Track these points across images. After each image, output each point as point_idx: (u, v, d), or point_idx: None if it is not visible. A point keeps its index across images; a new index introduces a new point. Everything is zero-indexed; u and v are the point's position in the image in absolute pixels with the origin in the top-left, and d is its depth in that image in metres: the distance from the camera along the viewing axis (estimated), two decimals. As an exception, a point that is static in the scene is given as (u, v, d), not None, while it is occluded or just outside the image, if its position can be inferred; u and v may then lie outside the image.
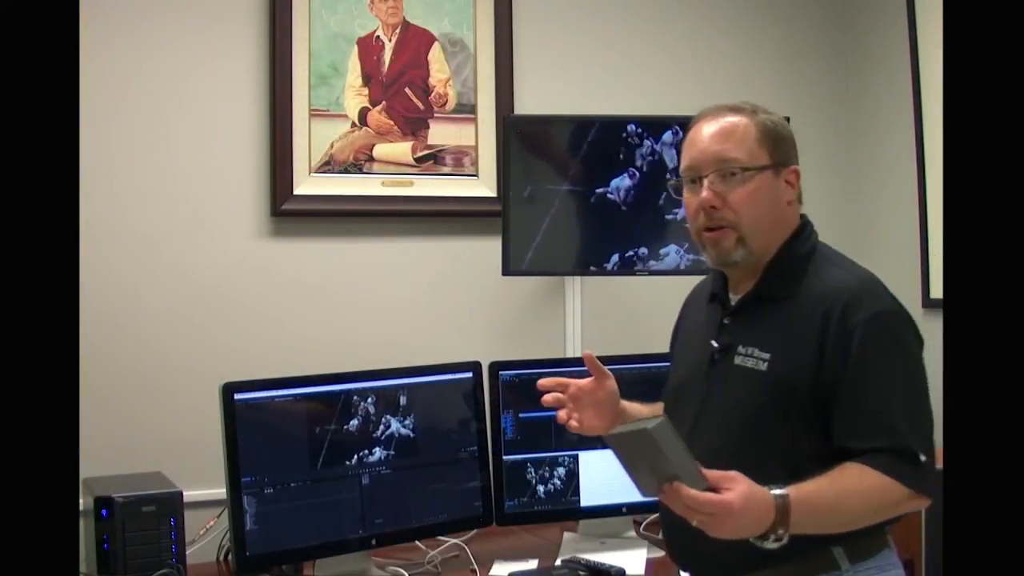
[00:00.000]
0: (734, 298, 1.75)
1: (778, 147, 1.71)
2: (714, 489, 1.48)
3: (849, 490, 1.54)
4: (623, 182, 2.67)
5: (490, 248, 2.75)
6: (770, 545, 1.50)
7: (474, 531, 2.45)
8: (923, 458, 1.56)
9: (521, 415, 2.43)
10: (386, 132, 2.73)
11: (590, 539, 2.47)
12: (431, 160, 2.78)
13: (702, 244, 1.71)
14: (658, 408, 1.84)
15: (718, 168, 1.66)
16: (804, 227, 1.74)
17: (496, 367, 2.44)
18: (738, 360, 1.67)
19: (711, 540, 1.51)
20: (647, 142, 2.67)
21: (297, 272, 2.65)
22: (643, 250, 2.68)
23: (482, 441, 2.41)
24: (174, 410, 2.48)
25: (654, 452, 1.52)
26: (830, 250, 1.74)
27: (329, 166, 2.68)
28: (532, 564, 2.31)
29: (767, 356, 1.63)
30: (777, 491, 1.50)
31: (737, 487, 1.48)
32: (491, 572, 2.29)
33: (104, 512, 2.08)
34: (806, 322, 1.61)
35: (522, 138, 2.67)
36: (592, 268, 2.70)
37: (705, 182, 1.67)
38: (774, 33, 3.22)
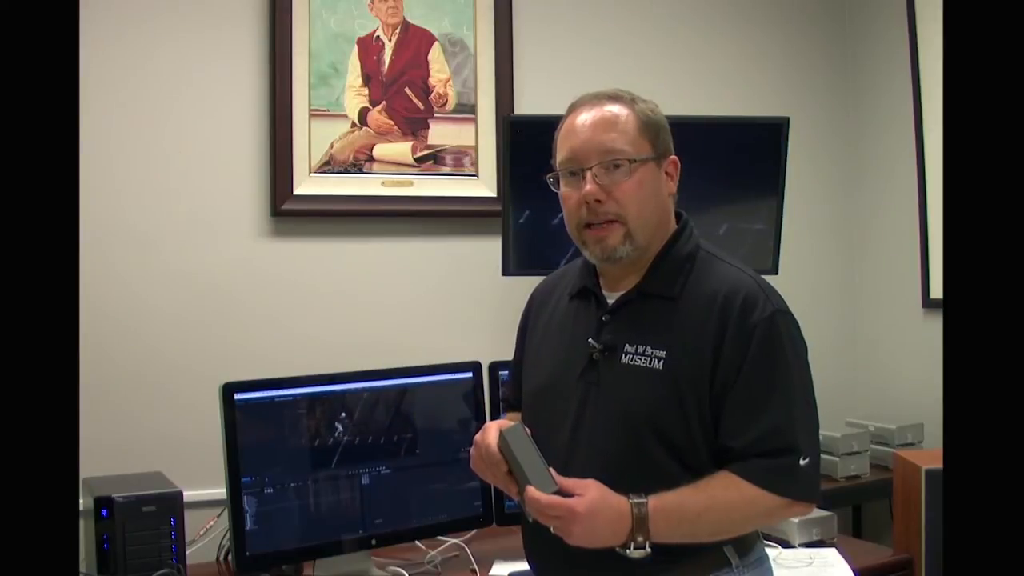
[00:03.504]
0: (611, 295, 1.65)
1: (659, 137, 1.63)
2: (567, 495, 1.48)
3: (715, 500, 1.52)
4: (623, 182, 2.67)
5: (490, 248, 2.76)
6: (634, 554, 1.49)
7: (474, 531, 2.45)
8: (804, 461, 1.53)
9: (521, 415, 2.43)
10: (386, 132, 2.73)
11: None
12: (431, 160, 2.78)
13: (583, 241, 1.63)
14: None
15: (602, 160, 1.58)
16: (686, 224, 1.67)
17: (496, 367, 2.44)
18: (626, 359, 1.58)
19: (602, 549, 1.49)
20: (647, 142, 2.67)
21: (297, 272, 2.65)
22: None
23: (482, 441, 2.41)
24: (174, 410, 2.48)
25: (509, 456, 1.54)
26: (714, 247, 1.68)
27: (329, 166, 2.68)
28: (532, 564, 2.31)
29: (662, 354, 1.55)
30: (635, 499, 1.49)
31: (588, 493, 1.48)
32: (491, 572, 2.29)
33: (104, 512, 2.08)
34: (703, 318, 1.56)
35: (522, 138, 2.67)
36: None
37: (588, 174, 1.58)
38: (774, 33, 3.22)
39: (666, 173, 1.65)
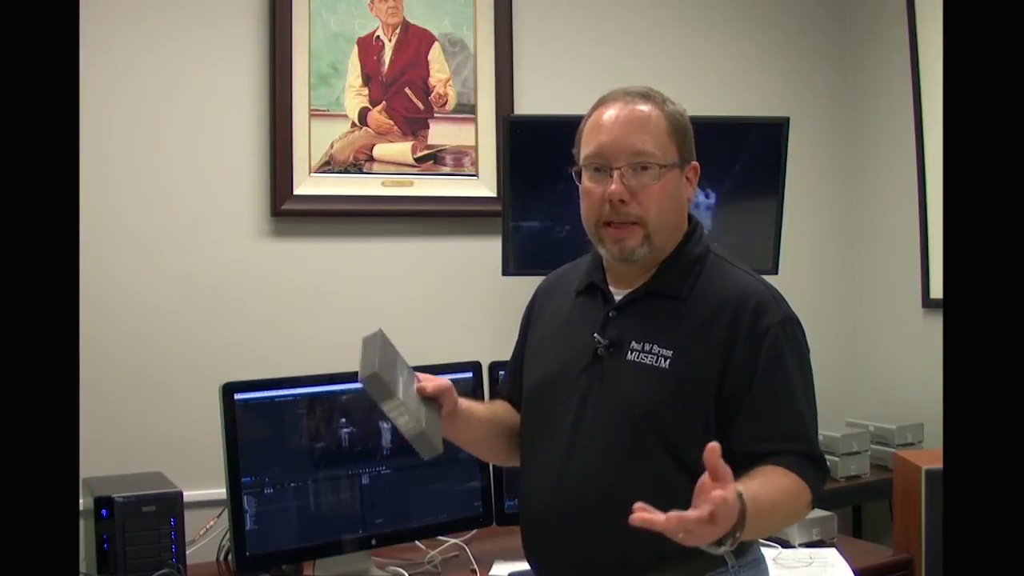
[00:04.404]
0: (617, 292, 1.65)
1: (686, 143, 1.63)
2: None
3: (781, 492, 1.48)
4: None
5: (490, 248, 2.76)
6: (724, 549, 1.37)
7: (474, 531, 2.45)
8: (825, 462, 1.56)
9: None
10: (386, 132, 2.73)
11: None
12: (431, 160, 2.78)
13: (600, 238, 1.62)
14: (496, 406, 1.78)
15: (630, 161, 1.57)
16: (696, 227, 1.68)
17: (496, 367, 2.43)
18: (632, 356, 1.57)
19: (600, 546, 1.47)
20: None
21: (297, 272, 2.65)
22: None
23: (482, 441, 2.40)
24: (174, 410, 2.48)
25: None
26: (723, 250, 1.69)
27: (329, 166, 2.68)
28: (532, 564, 2.31)
29: (669, 353, 1.55)
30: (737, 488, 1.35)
31: (729, 480, 1.32)
32: (491, 572, 2.29)
33: (104, 512, 2.08)
34: (712, 320, 1.56)
35: (522, 138, 2.67)
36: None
37: (616, 174, 1.57)
38: (774, 33, 3.22)
39: (687, 178, 1.65)
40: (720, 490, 1.29)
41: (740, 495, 1.34)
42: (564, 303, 1.74)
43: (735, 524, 1.33)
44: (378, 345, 1.54)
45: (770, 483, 1.48)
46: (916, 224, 3.06)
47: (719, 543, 1.35)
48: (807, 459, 1.54)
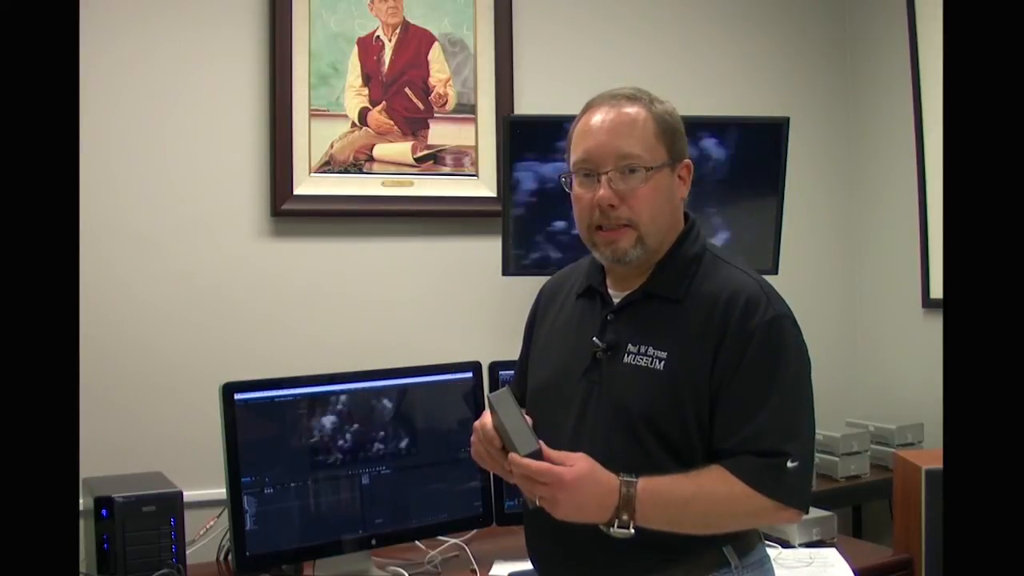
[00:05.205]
0: (616, 294, 1.65)
1: (676, 142, 1.62)
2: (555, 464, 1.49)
3: (703, 489, 1.51)
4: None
5: (490, 248, 2.76)
6: (616, 532, 1.48)
7: (474, 531, 2.45)
8: (791, 464, 1.52)
9: (521, 415, 2.43)
10: (386, 132, 2.73)
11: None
12: (431, 160, 2.78)
13: (593, 243, 1.62)
14: None
15: (617, 165, 1.57)
16: (693, 225, 1.67)
17: (496, 367, 2.44)
18: (628, 359, 1.58)
19: (603, 546, 1.49)
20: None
21: (297, 272, 2.65)
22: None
23: (482, 441, 2.40)
24: (174, 410, 2.48)
25: (497, 422, 1.54)
26: (719, 249, 1.68)
27: (329, 166, 2.68)
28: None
29: (664, 355, 1.55)
30: (625, 477, 1.49)
31: (577, 464, 1.49)
32: (491, 572, 2.29)
33: (104, 512, 2.08)
34: (705, 320, 1.56)
35: (522, 138, 2.67)
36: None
37: (603, 179, 1.57)
38: (774, 33, 3.23)
39: (679, 177, 1.64)
40: (547, 467, 1.48)
41: (628, 482, 1.48)
42: (566, 305, 1.74)
43: (617, 507, 1.48)
44: (518, 407, 1.56)
45: (693, 481, 1.51)
46: (916, 224, 3.06)
47: (608, 525, 1.49)
48: (763, 461, 1.52)
